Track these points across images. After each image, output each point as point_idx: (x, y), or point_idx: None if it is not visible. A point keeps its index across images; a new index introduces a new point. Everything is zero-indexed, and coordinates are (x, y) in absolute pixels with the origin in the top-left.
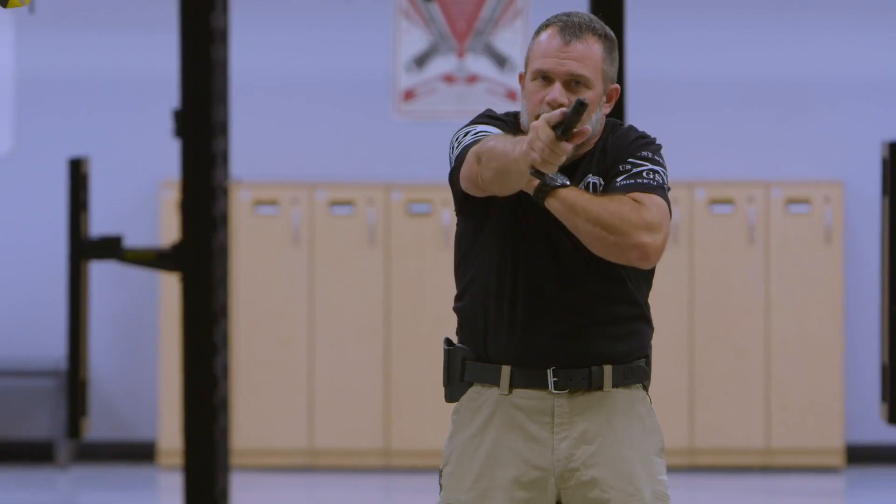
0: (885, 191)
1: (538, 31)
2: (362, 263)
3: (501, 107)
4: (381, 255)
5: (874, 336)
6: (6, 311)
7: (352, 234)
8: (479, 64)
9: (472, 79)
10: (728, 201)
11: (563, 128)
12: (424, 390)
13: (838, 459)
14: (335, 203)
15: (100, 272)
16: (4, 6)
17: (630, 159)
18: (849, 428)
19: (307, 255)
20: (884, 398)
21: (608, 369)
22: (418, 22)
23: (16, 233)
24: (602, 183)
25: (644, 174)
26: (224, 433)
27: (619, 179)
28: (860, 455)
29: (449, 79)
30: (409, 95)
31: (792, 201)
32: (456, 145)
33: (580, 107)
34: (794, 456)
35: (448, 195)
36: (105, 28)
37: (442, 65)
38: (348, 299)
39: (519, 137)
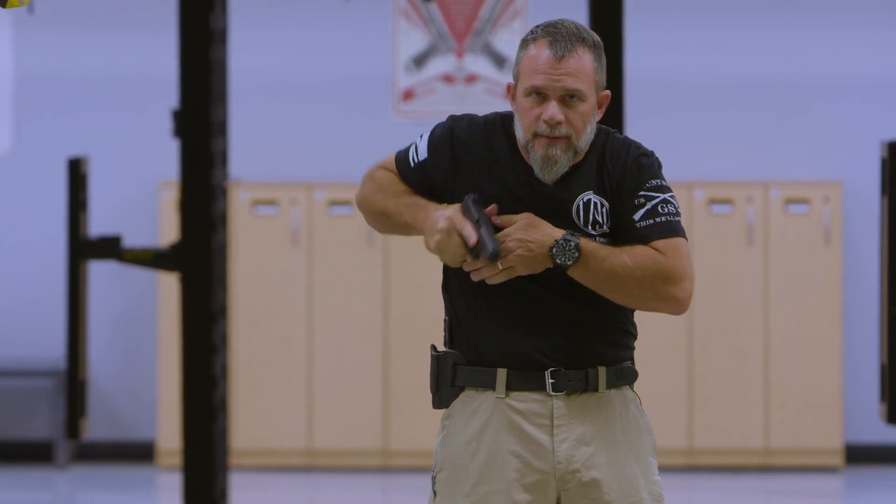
0: (884, 191)
1: (525, 44)
2: (361, 263)
3: (500, 107)
4: (379, 255)
5: (873, 336)
6: (6, 311)
7: (351, 234)
8: (478, 64)
9: (471, 79)
10: (727, 201)
11: (475, 253)
12: (423, 391)
13: (837, 459)
14: (334, 203)
15: (99, 272)
16: (3, 6)
17: (641, 192)
18: (848, 428)
19: (306, 255)
20: (883, 398)
21: (602, 371)
22: (417, 22)
23: (15, 233)
24: (605, 204)
25: (659, 209)
26: (223, 433)
27: (636, 219)
28: (859, 455)
29: (448, 79)
30: (407, 95)
31: (791, 201)
32: (411, 146)
33: (468, 208)
34: (792, 456)
35: None
36: (104, 28)
37: (441, 65)
38: (347, 299)
39: (413, 202)
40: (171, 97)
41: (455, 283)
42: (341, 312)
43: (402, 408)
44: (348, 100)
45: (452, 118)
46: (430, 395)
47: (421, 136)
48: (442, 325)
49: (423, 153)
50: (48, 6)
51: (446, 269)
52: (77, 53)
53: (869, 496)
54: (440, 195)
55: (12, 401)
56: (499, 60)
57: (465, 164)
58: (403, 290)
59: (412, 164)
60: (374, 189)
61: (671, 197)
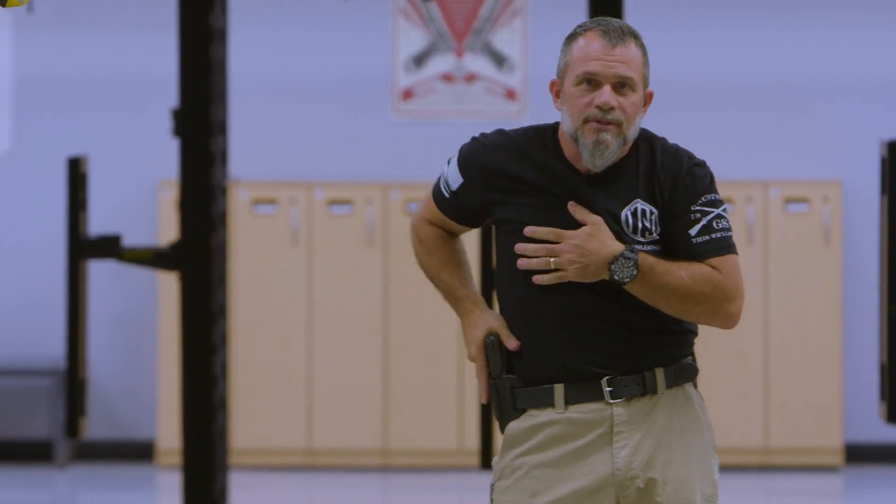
0: (883, 190)
1: (574, 37)
2: (361, 263)
3: (500, 106)
4: (379, 254)
5: (873, 335)
6: (5, 311)
7: (350, 233)
8: (478, 63)
9: (471, 78)
10: (727, 201)
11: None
12: (423, 390)
13: (837, 459)
14: (333, 202)
15: (99, 271)
16: (3, 5)
17: (696, 207)
18: (847, 427)
19: (306, 254)
20: (882, 397)
21: (660, 372)
22: (417, 21)
23: (15, 232)
24: (654, 211)
25: (714, 224)
26: (223, 433)
27: (692, 234)
28: (859, 454)
29: (447, 78)
30: (407, 95)
31: (791, 201)
32: (441, 176)
33: (489, 354)
34: (792, 455)
35: None
36: (104, 28)
37: (440, 64)
38: (347, 299)
39: (451, 285)
40: (171, 97)
41: (505, 298)
42: (341, 312)
43: (402, 407)
44: (348, 99)
45: (483, 136)
46: (429, 394)
47: (448, 162)
48: (443, 322)
49: (455, 181)
50: (48, 6)
51: (498, 287)
52: (77, 53)
53: (868, 495)
54: (482, 216)
55: (12, 400)
56: (499, 60)
57: (501, 186)
58: (403, 290)
59: (446, 195)
60: (421, 250)
61: (724, 210)
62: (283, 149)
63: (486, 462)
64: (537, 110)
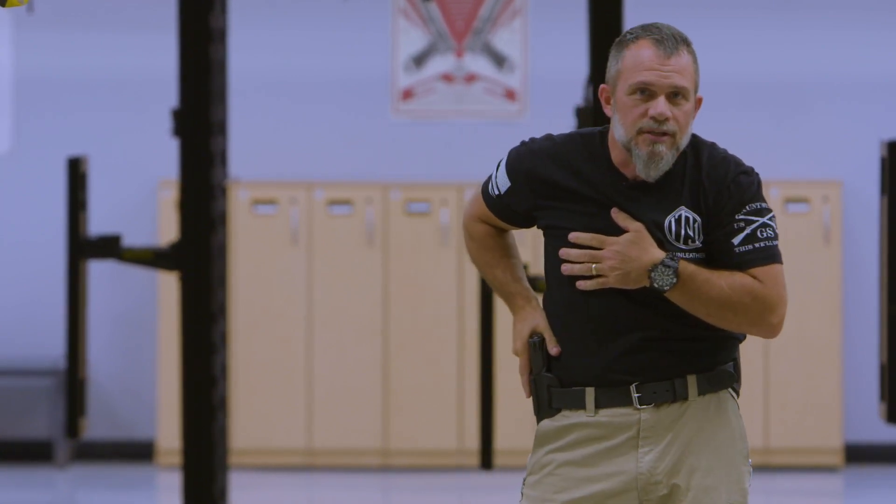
0: (883, 190)
1: (625, 44)
2: (361, 263)
3: (500, 106)
4: (379, 254)
5: (873, 335)
6: (6, 311)
7: (350, 233)
8: (478, 63)
9: (471, 78)
10: None
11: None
12: (423, 390)
13: (837, 459)
14: (333, 202)
15: (99, 271)
16: (3, 5)
17: (741, 216)
18: (847, 427)
19: (305, 254)
20: (882, 397)
21: (692, 379)
22: (417, 21)
23: (15, 232)
24: (697, 219)
25: (759, 234)
26: (223, 432)
27: (735, 244)
28: (859, 454)
29: (447, 78)
30: (407, 95)
31: (790, 201)
32: (490, 177)
33: (531, 354)
34: (792, 455)
35: (445, 194)
36: (104, 28)
37: (440, 64)
38: (347, 299)
39: (503, 282)
40: (171, 97)
41: (550, 300)
42: (341, 312)
43: (402, 407)
44: (348, 99)
45: (531, 141)
46: (429, 394)
47: (498, 166)
48: (444, 321)
49: (503, 184)
50: (48, 6)
51: (545, 289)
52: (77, 53)
53: (868, 495)
54: (531, 219)
55: (12, 400)
56: (498, 60)
57: (546, 192)
58: (403, 290)
59: (494, 197)
60: (473, 247)
61: (770, 219)
62: (283, 149)
63: (486, 462)
64: (537, 110)
